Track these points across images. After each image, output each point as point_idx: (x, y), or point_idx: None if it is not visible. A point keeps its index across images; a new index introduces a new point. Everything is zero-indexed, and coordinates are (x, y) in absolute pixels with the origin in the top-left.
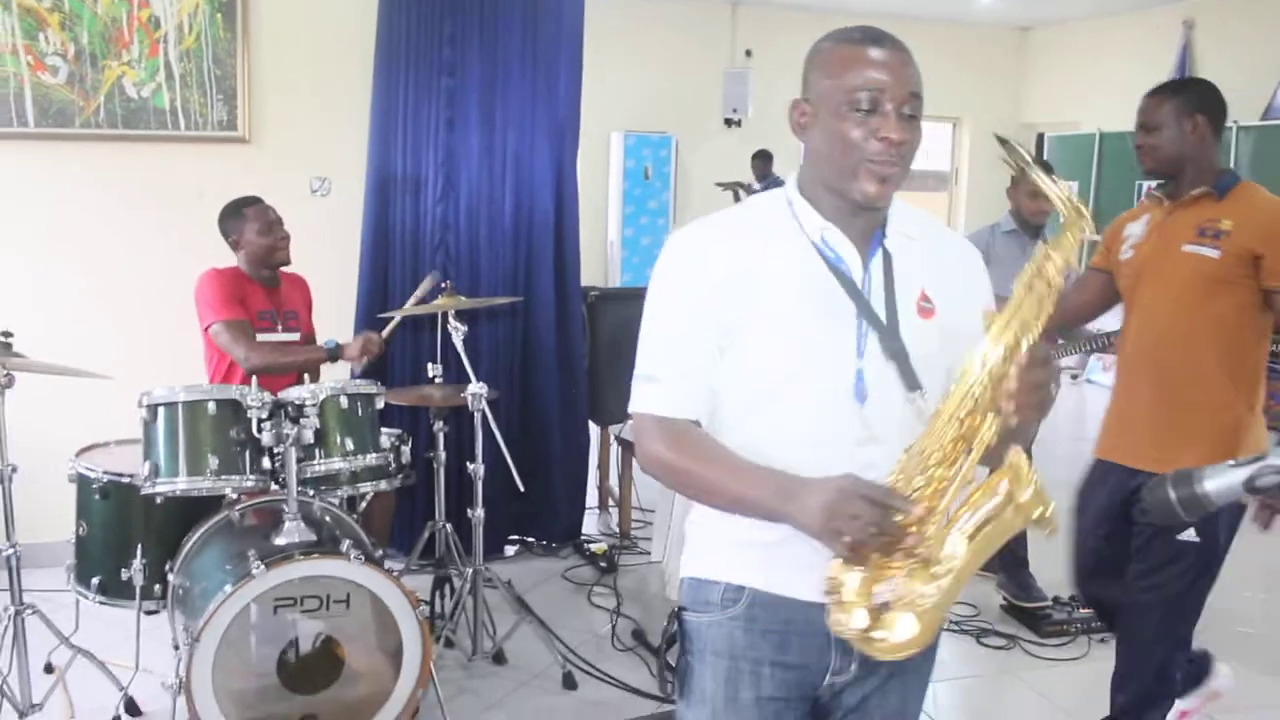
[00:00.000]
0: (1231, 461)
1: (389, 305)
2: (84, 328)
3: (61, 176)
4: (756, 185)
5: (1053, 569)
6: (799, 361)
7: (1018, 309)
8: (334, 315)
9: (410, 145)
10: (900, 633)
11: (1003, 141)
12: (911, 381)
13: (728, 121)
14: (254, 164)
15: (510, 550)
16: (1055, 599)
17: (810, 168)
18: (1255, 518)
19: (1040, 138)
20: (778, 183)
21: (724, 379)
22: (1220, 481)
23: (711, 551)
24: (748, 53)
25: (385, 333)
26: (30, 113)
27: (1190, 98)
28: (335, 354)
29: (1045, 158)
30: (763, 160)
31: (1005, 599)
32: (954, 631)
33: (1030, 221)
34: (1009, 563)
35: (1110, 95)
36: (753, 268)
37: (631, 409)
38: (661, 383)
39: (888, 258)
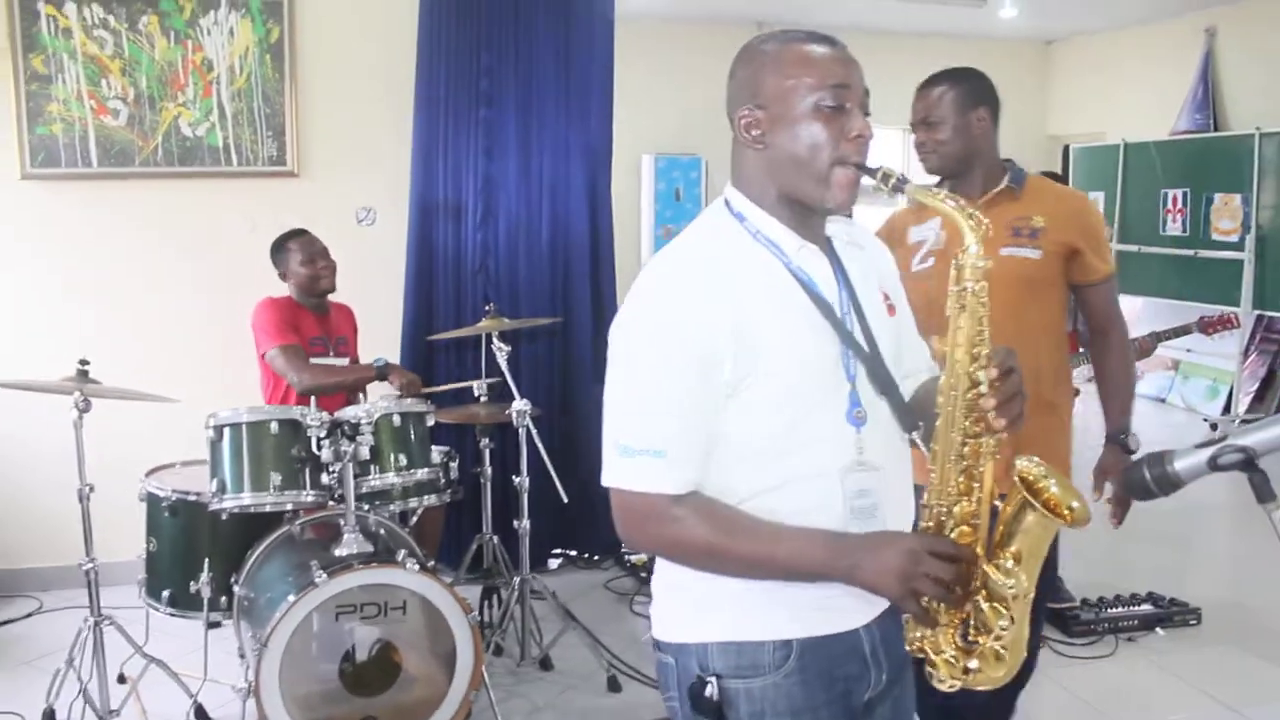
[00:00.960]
0: (1195, 443)
1: (435, 328)
2: (146, 355)
3: (124, 213)
4: None
5: (1082, 571)
6: (802, 399)
7: (959, 330)
8: (382, 339)
9: (450, 174)
10: (993, 665)
11: (895, 181)
12: (908, 421)
13: None
14: (302, 196)
15: (554, 564)
16: (1084, 600)
17: (765, 178)
18: (1111, 515)
19: (1065, 150)
20: None
21: (726, 430)
22: (1188, 461)
23: (738, 608)
24: None
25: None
26: (94, 154)
27: (971, 90)
28: (384, 373)
29: (1070, 170)
30: None
31: None
32: None
33: None
34: None
35: (1134, 106)
36: (739, 308)
37: (628, 486)
38: (669, 456)
39: (845, 270)
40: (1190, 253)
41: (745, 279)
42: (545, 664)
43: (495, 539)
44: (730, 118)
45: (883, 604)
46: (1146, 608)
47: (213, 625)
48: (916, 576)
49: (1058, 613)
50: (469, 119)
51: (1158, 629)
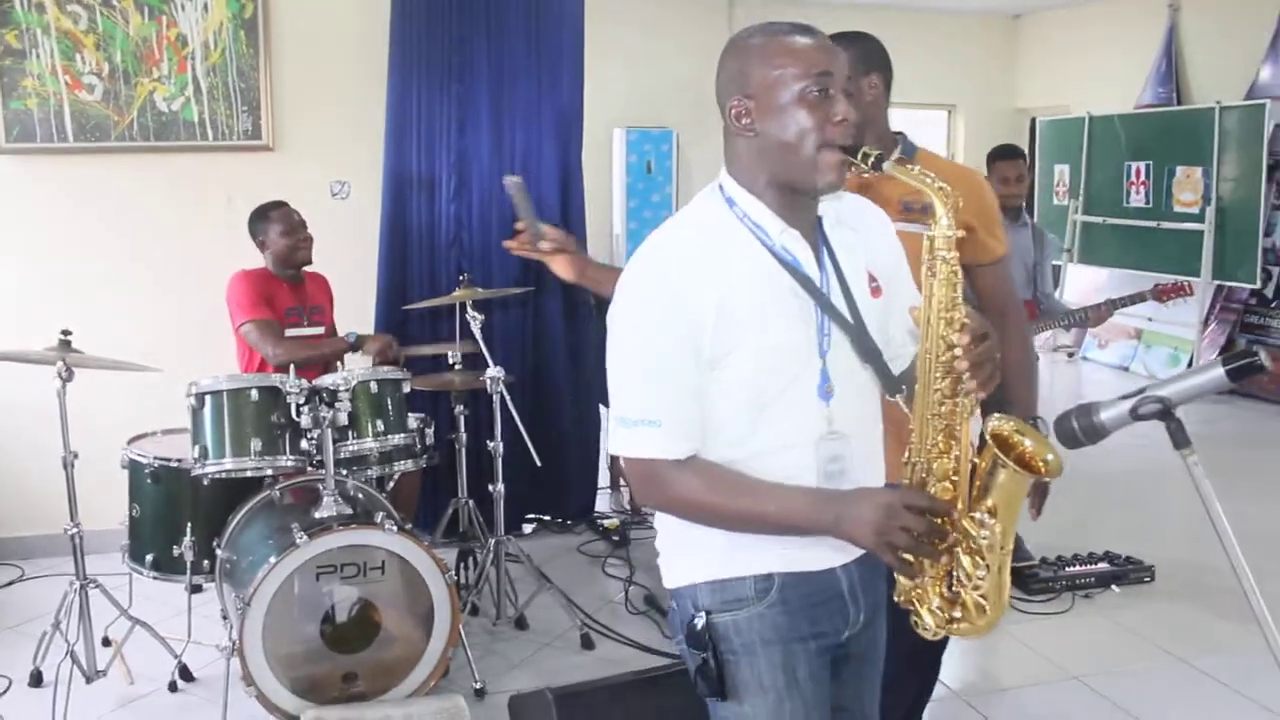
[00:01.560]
0: (1120, 395)
1: (409, 299)
2: (126, 327)
3: (100, 188)
4: None
5: (1042, 532)
6: (776, 374)
7: (933, 296)
8: (356, 311)
9: (424, 147)
10: (976, 614)
11: (875, 160)
12: (891, 385)
13: None
14: (278, 170)
15: (528, 528)
16: (1043, 559)
17: (755, 164)
18: (1030, 506)
19: (1033, 123)
20: None
21: (715, 402)
22: (1112, 412)
23: (723, 550)
24: None
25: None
26: (69, 128)
27: (865, 53)
28: (357, 345)
29: (1037, 142)
30: None
31: None
32: None
33: (1006, 205)
34: None
35: (1100, 79)
36: (721, 288)
37: (630, 454)
38: (664, 426)
39: (832, 250)
40: (1153, 224)
41: (730, 260)
42: (521, 623)
43: (471, 503)
44: (721, 108)
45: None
46: (1103, 566)
47: (195, 589)
48: (891, 529)
49: (1017, 571)
50: (442, 93)
51: (1113, 586)
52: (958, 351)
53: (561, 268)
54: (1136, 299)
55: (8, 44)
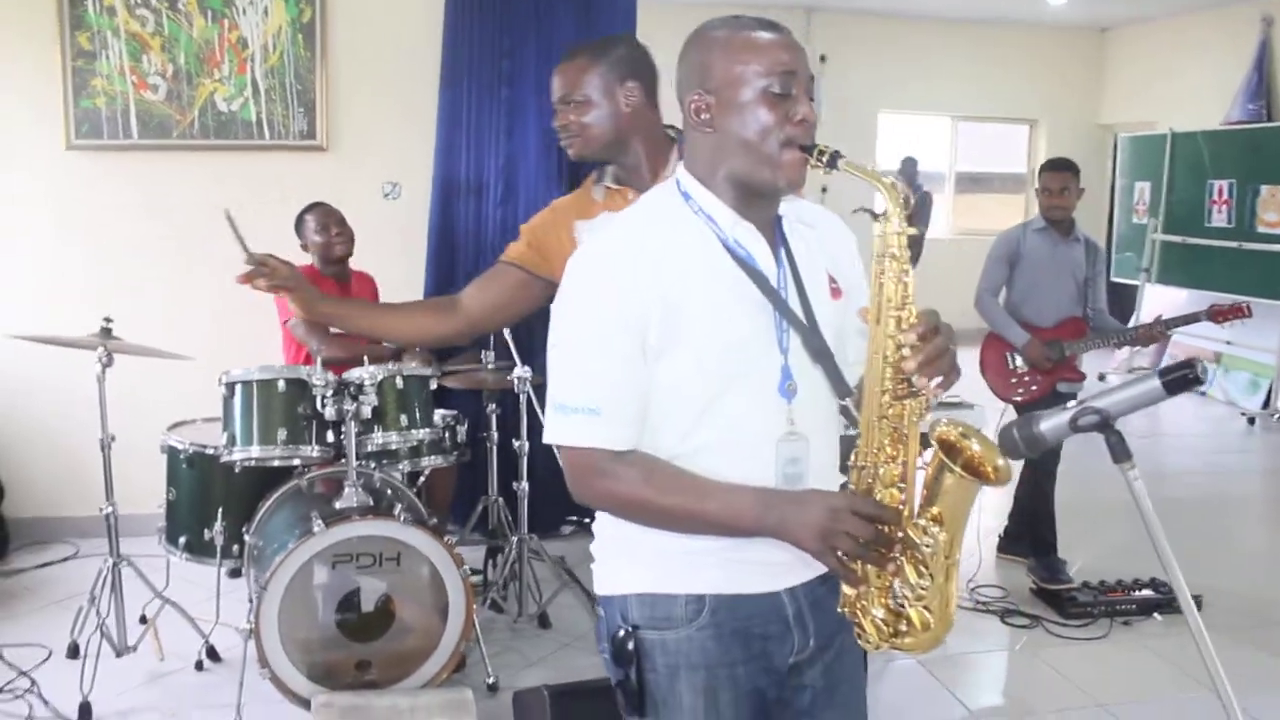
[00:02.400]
0: (1061, 406)
1: None
2: (180, 315)
3: (161, 183)
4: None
5: (1088, 556)
6: (727, 367)
7: (881, 292)
8: None
9: (473, 152)
10: (920, 628)
11: (830, 157)
12: (842, 388)
13: None
14: (331, 170)
15: (566, 529)
16: (1084, 583)
17: (713, 160)
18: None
19: (1115, 140)
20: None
21: (653, 395)
22: (1051, 422)
23: (657, 563)
24: (822, 58)
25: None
26: (134, 126)
27: (615, 62)
28: (399, 353)
29: (1117, 159)
30: (910, 164)
31: (1034, 583)
32: (979, 611)
33: (1044, 215)
34: (1038, 548)
35: (1188, 95)
36: (669, 279)
37: (566, 442)
38: (604, 414)
39: (790, 249)
40: (1235, 244)
41: (679, 250)
42: (544, 622)
43: (500, 501)
44: (680, 101)
45: (811, 570)
46: (1146, 593)
47: (235, 574)
48: (835, 534)
49: (1054, 594)
50: (491, 98)
51: (1155, 614)
52: (906, 352)
53: (295, 303)
54: (1190, 319)
55: (79, 46)
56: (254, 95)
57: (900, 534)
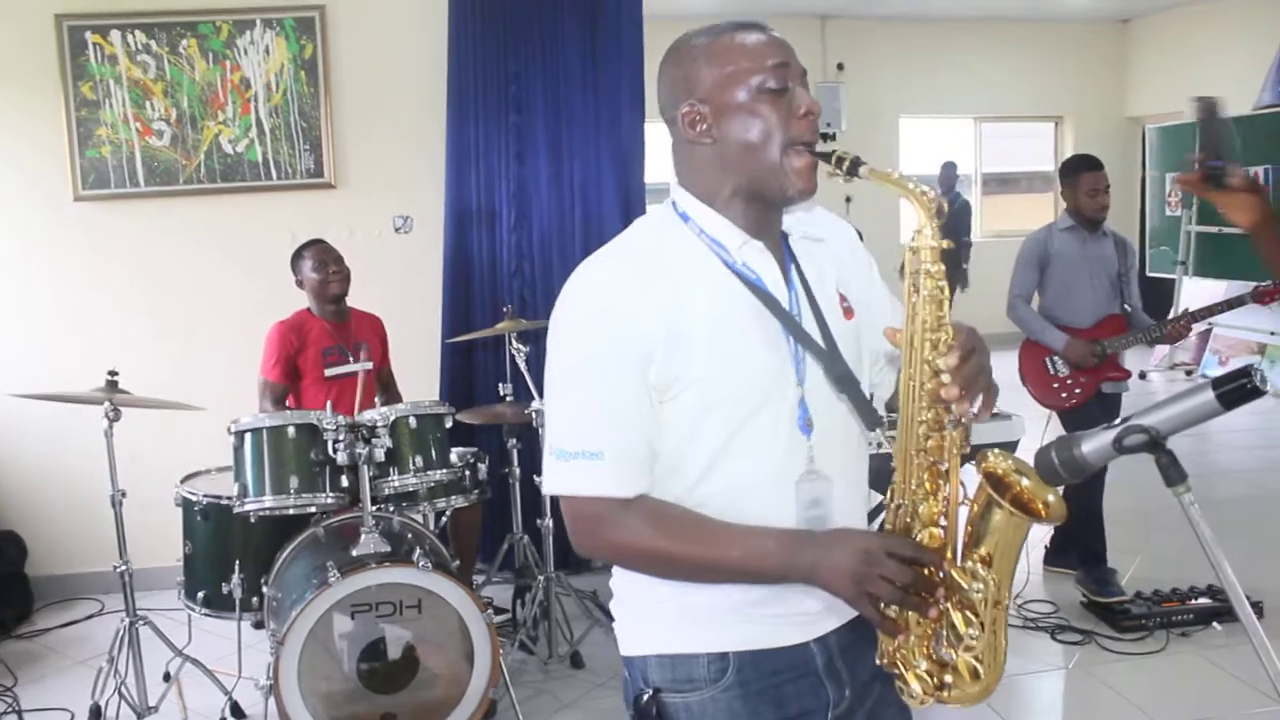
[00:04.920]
0: (1105, 425)
1: (472, 330)
2: (195, 365)
3: (171, 229)
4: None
5: (1142, 564)
6: (740, 404)
7: (916, 315)
8: (422, 344)
9: (484, 180)
10: (969, 679)
11: (850, 164)
12: (870, 418)
13: (823, 135)
14: (340, 207)
15: (598, 563)
16: (1138, 594)
17: (718, 174)
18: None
19: (1143, 132)
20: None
21: (660, 438)
22: (1094, 444)
23: (674, 620)
24: (839, 66)
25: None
26: (141, 173)
27: None
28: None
29: (1146, 151)
30: (950, 170)
31: (1084, 596)
32: (1028, 628)
33: (1091, 217)
34: (1086, 558)
35: (1215, 82)
36: (671, 308)
37: (566, 491)
38: (606, 459)
39: (800, 267)
40: None
41: (683, 278)
42: (576, 661)
43: (525, 538)
44: (668, 120)
45: (841, 616)
46: (1203, 601)
47: (260, 625)
48: (870, 578)
49: (1106, 607)
50: (499, 125)
51: (1215, 624)
52: (945, 378)
53: (1239, 211)
54: (1234, 304)
55: (83, 95)
56: (259, 135)
57: (942, 576)
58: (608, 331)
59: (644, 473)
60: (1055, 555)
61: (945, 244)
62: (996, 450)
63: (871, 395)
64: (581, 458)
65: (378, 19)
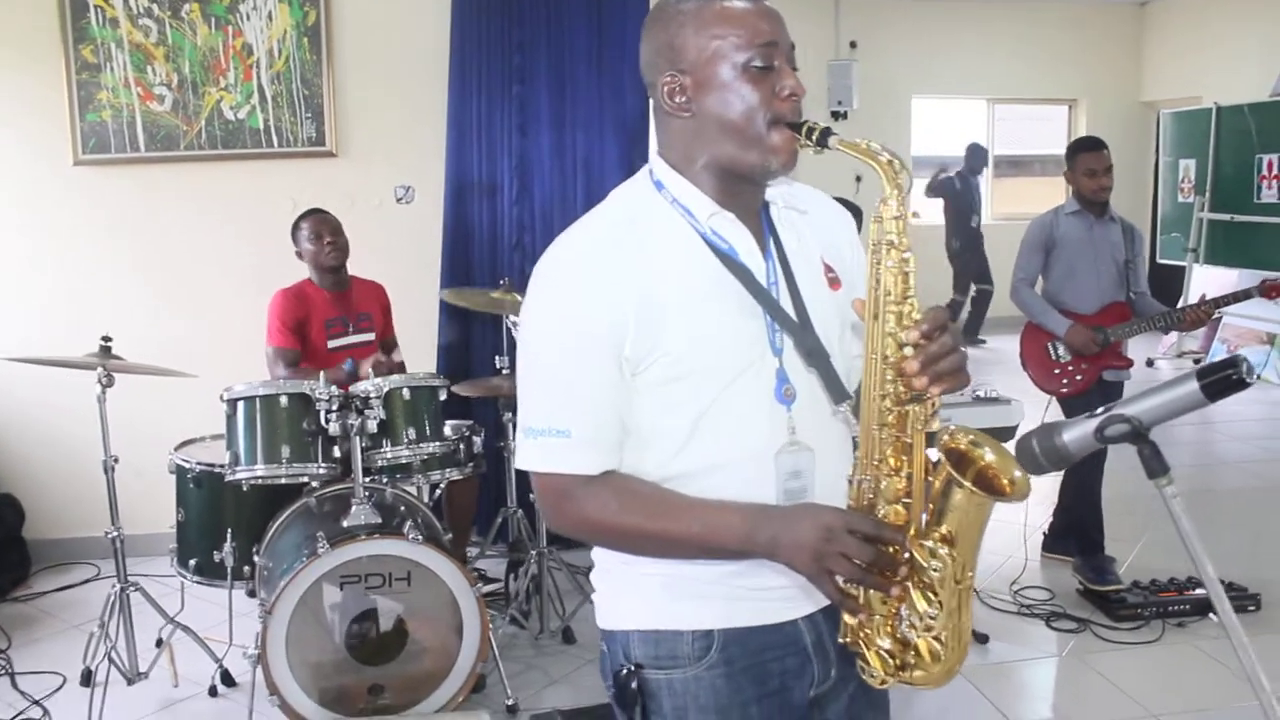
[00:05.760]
0: (1087, 414)
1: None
2: (195, 330)
3: (171, 195)
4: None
5: (1138, 553)
6: (714, 374)
7: (879, 285)
8: (421, 314)
9: (485, 151)
10: (930, 660)
11: (820, 134)
12: (838, 392)
13: (834, 114)
14: (342, 176)
15: None
16: (1134, 583)
17: (692, 145)
18: None
19: (1158, 117)
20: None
21: (636, 412)
22: (1076, 432)
23: (659, 595)
24: (852, 44)
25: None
26: (141, 139)
27: None
28: (354, 374)
29: (1160, 137)
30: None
31: (1081, 583)
32: (1023, 615)
33: (1092, 199)
34: (1084, 546)
35: (1232, 67)
36: (644, 281)
37: (534, 468)
38: (574, 436)
39: (779, 238)
40: None
41: (654, 247)
42: (567, 637)
43: (520, 512)
44: (649, 86)
45: None
46: (1200, 592)
47: (254, 594)
48: (830, 555)
49: (1103, 595)
50: (502, 96)
51: (1211, 614)
52: (908, 351)
53: None
54: (1240, 296)
55: (84, 59)
56: (261, 102)
57: (906, 555)
58: (575, 309)
59: (611, 449)
60: (1053, 542)
61: (912, 216)
62: (957, 424)
63: None
64: (549, 435)
65: None
